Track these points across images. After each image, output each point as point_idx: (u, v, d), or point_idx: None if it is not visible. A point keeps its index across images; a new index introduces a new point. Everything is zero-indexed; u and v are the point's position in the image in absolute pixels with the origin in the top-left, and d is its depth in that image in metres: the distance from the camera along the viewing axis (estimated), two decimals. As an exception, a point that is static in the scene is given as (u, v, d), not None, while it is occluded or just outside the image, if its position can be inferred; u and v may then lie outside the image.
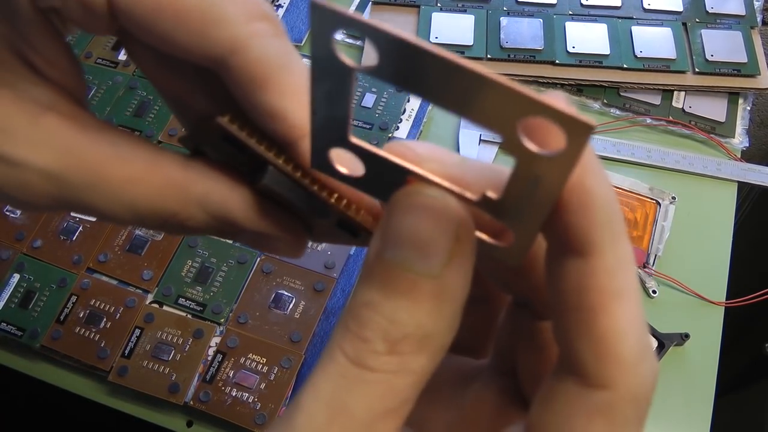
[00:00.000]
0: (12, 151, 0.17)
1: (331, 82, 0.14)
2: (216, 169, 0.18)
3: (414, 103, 0.58)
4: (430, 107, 0.58)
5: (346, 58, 0.13)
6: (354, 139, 0.15)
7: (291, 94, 0.17)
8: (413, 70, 0.12)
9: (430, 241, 0.15)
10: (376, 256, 0.15)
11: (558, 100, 0.12)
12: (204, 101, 0.19)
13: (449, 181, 0.15)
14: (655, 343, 0.48)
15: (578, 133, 0.12)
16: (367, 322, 0.15)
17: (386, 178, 0.16)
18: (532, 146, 0.12)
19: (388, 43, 0.12)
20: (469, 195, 0.15)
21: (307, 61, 0.18)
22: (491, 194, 0.15)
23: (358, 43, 0.63)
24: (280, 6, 0.65)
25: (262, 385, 0.45)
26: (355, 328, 0.15)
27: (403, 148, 0.16)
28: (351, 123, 0.15)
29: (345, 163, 0.17)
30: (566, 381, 0.15)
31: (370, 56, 0.12)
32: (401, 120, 0.57)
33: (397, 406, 0.15)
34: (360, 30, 0.12)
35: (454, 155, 0.16)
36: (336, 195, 0.18)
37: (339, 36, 0.68)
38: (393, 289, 0.15)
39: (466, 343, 0.22)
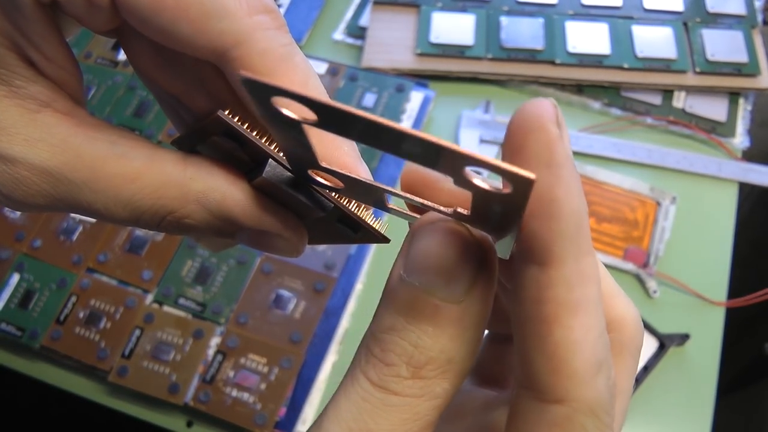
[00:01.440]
0: (7, 148, 0.17)
1: (286, 131, 0.14)
2: (215, 165, 0.18)
3: (414, 103, 0.58)
4: (430, 107, 0.58)
5: (291, 115, 0.13)
6: (324, 164, 0.16)
7: (294, 87, 0.17)
8: (348, 126, 0.13)
9: (454, 268, 0.15)
10: (399, 282, 0.15)
11: (504, 162, 0.12)
12: (202, 99, 0.19)
13: (442, 193, 0.16)
14: (655, 344, 0.48)
15: (522, 184, 0.12)
16: (391, 346, 0.15)
17: (362, 189, 0.17)
18: (483, 185, 0.13)
19: (314, 107, 0.12)
20: (444, 209, 0.16)
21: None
22: (462, 211, 0.15)
23: (359, 43, 0.63)
24: (279, 6, 0.65)
25: (263, 386, 0.45)
26: (379, 353, 0.15)
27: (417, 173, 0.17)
28: (316, 151, 0.16)
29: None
30: (525, 397, 0.15)
31: (310, 113, 0.13)
32: (401, 120, 0.57)
33: (419, 430, 0.15)
34: (289, 97, 0.12)
35: None
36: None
37: (340, 36, 0.68)
38: (417, 315, 0.15)
39: (493, 376, 0.22)
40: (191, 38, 0.17)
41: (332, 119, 0.13)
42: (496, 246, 0.16)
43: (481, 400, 0.21)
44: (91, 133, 0.18)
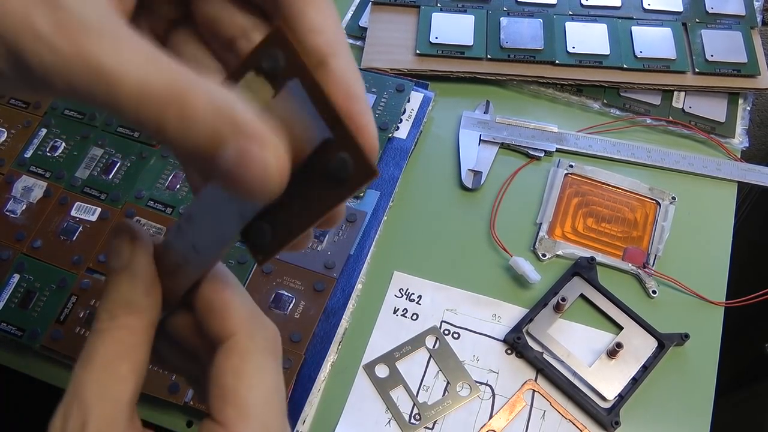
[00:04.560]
0: None
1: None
2: None
3: (414, 103, 0.58)
4: (430, 108, 0.58)
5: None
6: None
7: (330, 15, 0.20)
8: None
9: None
10: None
11: None
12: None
13: None
14: (655, 344, 0.48)
15: None
16: None
17: None
18: None
19: None
20: None
21: None
22: None
23: (359, 43, 0.63)
24: (280, 6, 0.65)
25: (262, 385, 0.45)
26: None
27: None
28: None
29: None
30: None
31: None
32: (401, 120, 0.57)
33: None
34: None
35: None
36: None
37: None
38: None
39: None
40: None
41: None
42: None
43: None
44: None
